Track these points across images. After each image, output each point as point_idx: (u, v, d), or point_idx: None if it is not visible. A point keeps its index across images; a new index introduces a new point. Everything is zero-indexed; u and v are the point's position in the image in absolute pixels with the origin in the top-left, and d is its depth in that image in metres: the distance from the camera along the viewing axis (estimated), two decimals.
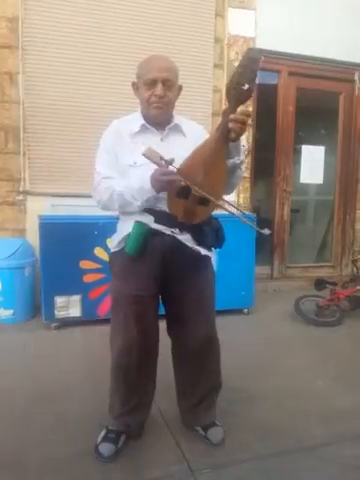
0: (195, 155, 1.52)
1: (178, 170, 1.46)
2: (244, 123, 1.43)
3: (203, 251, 1.64)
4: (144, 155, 1.43)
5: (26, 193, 3.54)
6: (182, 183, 1.45)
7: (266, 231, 1.47)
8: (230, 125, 1.43)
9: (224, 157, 1.54)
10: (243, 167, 1.67)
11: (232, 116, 1.42)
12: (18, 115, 3.46)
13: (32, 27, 3.41)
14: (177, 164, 1.48)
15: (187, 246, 1.62)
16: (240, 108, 1.46)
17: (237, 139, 1.49)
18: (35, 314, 3.34)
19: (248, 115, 1.46)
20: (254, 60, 1.39)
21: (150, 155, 1.43)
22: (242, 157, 1.62)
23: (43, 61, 3.46)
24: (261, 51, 1.46)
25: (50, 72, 3.48)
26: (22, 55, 3.41)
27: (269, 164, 4.50)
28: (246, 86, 1.39)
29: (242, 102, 1.45)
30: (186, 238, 1.63)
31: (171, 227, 1.61)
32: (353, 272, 4.33)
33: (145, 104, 1.62)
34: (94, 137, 3.22)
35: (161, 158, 1.42)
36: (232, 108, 1.44)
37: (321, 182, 4.69)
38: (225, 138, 1.49)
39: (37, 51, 3.44)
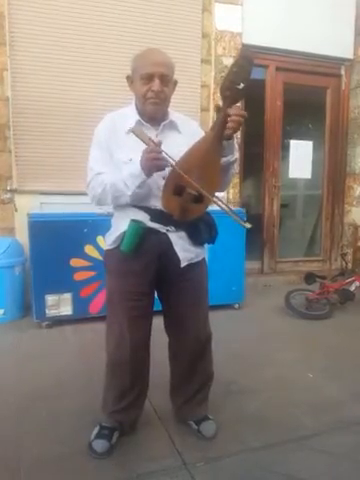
0: (191, 153, 1.52)
1: (176, 163, 1.46)
2: (241, 116, 1.44)
3: (183, 263, 1.64)
4: (133, 131, 1.42)
5: (14, 191, 3.51)
6: (169, 166, 1.46)
7: (247, 225, 1.49)
8: (228, 125, 1.44)
9: (219, 155, 1.54)
10: (236, 165, 1.68)
11: (229, 113, 1.43)
12: (5, 112, 3.42)
13: (18, 23, 3.37)
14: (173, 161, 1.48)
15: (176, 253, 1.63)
16: (235, 106, 1.46)
17: (232, 136, 1.50)
18: (26, 313, 3.33)
19: (242, 112, 1.46)
20: (248, 59, 1.41)
21: (139, 134, 1.43)
22: (236, 155, 1.63)
23: (30, 58, 3.42)
24: (255, 49, 1.48)
25: (37, 69, 3.44)
26: (9, 52, 3.37)
27: (258, 159, 4.52)
28: (241, 85, 1.41)
29: (237, 101, 1.46)
30: (181, 236, 1.64)
31: (166, 225, 1.61)
32: (342, 266, 4.38)
33: (141, 99, 1.59)
34: (82, 134, 3.28)
35: (150, 139, 1.43)
36: (227, 107, 1.45)
37: (309, 177, 4.72)
38: (220, 136, 1.50)
39: (24, 48, 3.40)
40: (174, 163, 1.46)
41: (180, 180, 1.47)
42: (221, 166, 1.57)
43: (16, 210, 3.49)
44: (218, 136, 1.50)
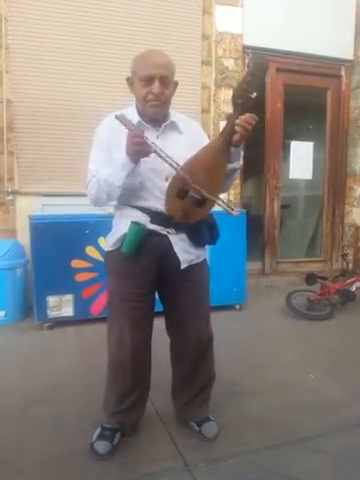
0: (198, 157, 1.52)
1: (181, 168, 1.46)
2: (251, 124, 1.44)
3: (183, 264, 1.64)
4: (116, 117, 1.44)
5: (15, 193, 3.52)
6: (153, 151, 1.46)
7: (234, 212, 1.48)
8: (237, 128, 1.44)
9: (225, 161, 1.55)
10: (239, 171, 1.69)
11: (238, 121, 1.43)
12: (4, 114, 3.42)
13: (16, 25, 3.38)
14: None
15: (177, 255, 1.63)
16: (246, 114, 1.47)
17: (240, 143, 1.50)
18: (27, 315, 3.33)
19: (254, 119, 1.45)
20: (262, 68, 1.42)
21: (123, 120, 1.45)
22: (241, 162, 1.63)
23: (30, 59, 3.43)
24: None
25: (37, 70, 3.46)
26: (6, 54, 3.38)
27: (258, 160, 4.52)
28: (254, 94, 1.41)
29: (248, 110, 1.46)
30: (181, 237, 1.64)
31: (167, 227, 1.61)
32: (343, 266, 4.38)
33: (141, 101, 1.58)
34: (83, 135, 3.28)
35: (132, 125, 1.46)
36: (238, 114, 1.45)
37: (310, 178, 4.72)
38: (228, 143, 1.50)
39: (22, 50, 3.41)
40: (178, 167, 1.46)
41: (183, 183, 1.48)
42: (226, 172, 1.57)
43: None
44: (226, 142, 1.50)
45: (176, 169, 1.47)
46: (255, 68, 1.42)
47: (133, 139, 1.42)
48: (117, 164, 1.50)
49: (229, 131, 1.48)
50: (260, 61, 1.44)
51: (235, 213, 1.48)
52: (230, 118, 1.48)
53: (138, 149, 1.44)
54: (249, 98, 1.42)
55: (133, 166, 1.48)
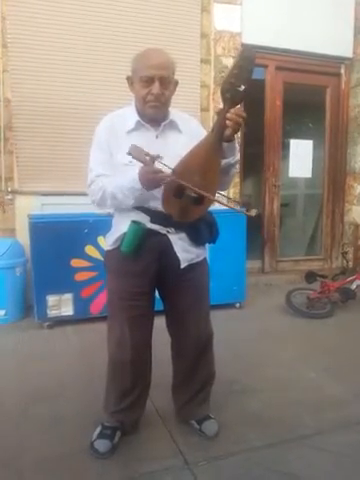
0: (191, 155, 1.51)
1: (173, 170, 1.45)
2: (241, 117, 1.42)
3: (183, 264, 1.64)
4: (129, 154, 1.40)
5: (15, 192, 3.51)
6: (177, 182, 1.45)
7: (252, 212, 1.45)
8: (227, 122, 1.43)
9: (219, 157, 1.54)
10: (237, 165, 1.68)
11: (228, 115, 1.42)
12: (1, 114, 3.41)
13: (15, 24, 3.37)
14: (173, 163, 1.47)
15: (177, 254, 1.62)
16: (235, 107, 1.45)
17: (232, 137, 1.50)
18: (27, 314, 3.33)
19: (242, 113, 1.44)
20: (249, 59, 1.38)
21: (136, 154, 1.40)
22: (237, 157, 1.62)
23: (29, 59, 3.42)
24: (254, 48, 1.45)
25: (36, 70, 3.45)
26: (4, 52, 3.36)
27: (258, 159, 4.52)
28: (242, 87, 1.39)
29: (237, 103, 1.44)
30: (181, 237, 1.64)
31: (167, 226, 1.61)
32: (343, 264, 4.38)
33: (141, 101, 1.57)
34: (83, 134, 3.28)
35: (146, 154, 1.40)
36: (227, 109, 1.44)
37: (310, 176, 4.72)
38: (220, 138, 1.49)
39: (22, 49, 3.40)
40: (173, 169, 1.45)
41: (181, 187, 1.47)
42: (221, 167, 1.56)
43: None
44: (218, 138, 1.49)
45: (182, 183, 1.45)
46: (241, 60, 1.38)
47: (150, 175, 1.43)
48: (130, 187, 1.50)
49: (219, 126, 1.46)
50: (246, 53, 1.40)
51: (253, 213, 1.45)
52: (220, 113, 1.47)
53: (153, 184, 1.46)
54: (237, 91, 1.40)
55: (146, 192, 1.50)
